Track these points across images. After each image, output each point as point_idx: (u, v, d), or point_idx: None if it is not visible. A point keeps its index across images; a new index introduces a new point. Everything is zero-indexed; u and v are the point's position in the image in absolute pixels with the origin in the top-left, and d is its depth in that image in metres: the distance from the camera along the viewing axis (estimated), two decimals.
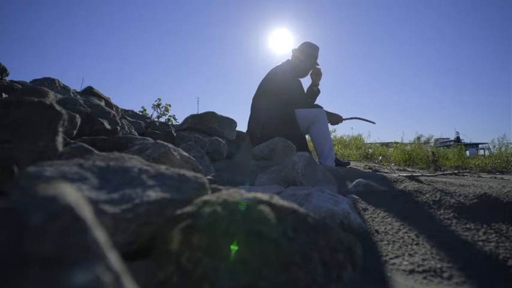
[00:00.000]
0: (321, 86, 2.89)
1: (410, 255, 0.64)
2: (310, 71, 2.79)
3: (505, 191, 0.92)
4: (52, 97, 1.41)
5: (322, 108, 2.70)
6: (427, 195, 1.01)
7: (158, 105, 5.78)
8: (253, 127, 2.64)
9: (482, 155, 6.37)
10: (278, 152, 1.91)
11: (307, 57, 2.72)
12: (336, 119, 2.76)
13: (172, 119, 5.80)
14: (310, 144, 3.19)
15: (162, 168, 0.52)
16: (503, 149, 4.85)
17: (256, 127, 2.59)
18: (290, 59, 2.81)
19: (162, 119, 5.61)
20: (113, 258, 0.22)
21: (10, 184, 0.56)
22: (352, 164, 3.11)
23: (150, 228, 0.40)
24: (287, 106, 2.55)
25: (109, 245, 0.22)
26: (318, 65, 2.81)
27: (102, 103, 1.74)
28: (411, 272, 0.57)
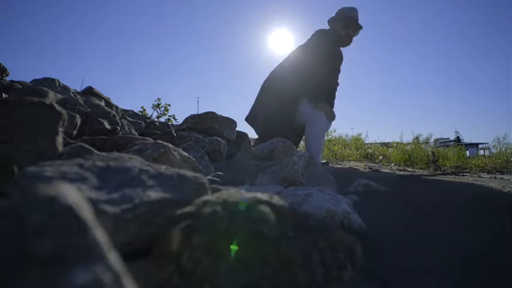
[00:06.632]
0: None
1: (410, 255, 0.64)
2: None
3: (505, 191, 0.92)
4: (52, 97, 1.41)
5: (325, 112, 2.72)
6: (427, 195, 1.01)
7: (158, 105, 5.78)
8: (258, 111, 2.75)
9: (482, 155, 6.38)
10: (278, 152, 1.91)
11: (346, 26, 2.75)
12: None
13: (172, 119, 5.80)
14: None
15: (162, 168, 0.52)
16: (503, 149, 4.86)
17: (260, 111, 2.71)
18: (328, 29, 2.82)
19: (162, 119, 5.61)
20: (113, 258, 0.22)
21: (10, 184, 0.56)
22: (352, 164, 3.11)
23: (150, 228, 0.40)
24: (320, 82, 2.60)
25: (109, 245, 0.22)
26: (360, 27, 2.81)
27: (102, 103, 1.74)
28: (411, 271, 0.57)
